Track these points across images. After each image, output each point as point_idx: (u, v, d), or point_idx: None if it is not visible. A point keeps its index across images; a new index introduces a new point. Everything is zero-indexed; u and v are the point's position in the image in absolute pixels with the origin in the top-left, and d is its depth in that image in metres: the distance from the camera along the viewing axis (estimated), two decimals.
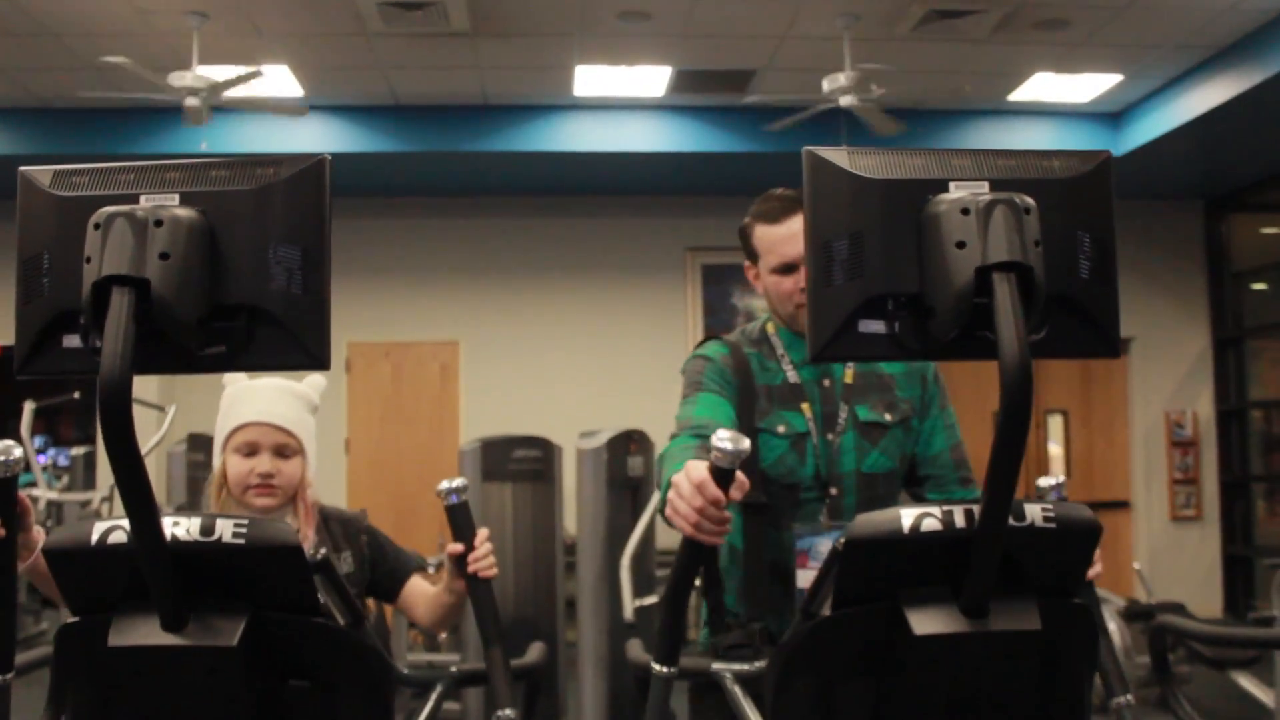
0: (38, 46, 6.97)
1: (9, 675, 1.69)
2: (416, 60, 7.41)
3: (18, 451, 1.74)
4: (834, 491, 2.28)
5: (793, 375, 2.31)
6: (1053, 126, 8.58)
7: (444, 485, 2.21)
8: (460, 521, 2.22)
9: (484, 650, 2.18)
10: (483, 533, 2.24)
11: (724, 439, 1.58)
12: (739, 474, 1.63)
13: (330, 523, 2.52)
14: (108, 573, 1.42)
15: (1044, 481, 2.05)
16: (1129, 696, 2.06)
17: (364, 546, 2.52)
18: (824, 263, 1.42)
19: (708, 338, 2.46)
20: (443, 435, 9.31)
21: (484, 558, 2.23)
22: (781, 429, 2.28)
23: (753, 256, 2.37)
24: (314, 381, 2.54)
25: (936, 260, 1.37)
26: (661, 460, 2.12)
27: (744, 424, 2.25)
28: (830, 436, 2.29)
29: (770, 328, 2.42)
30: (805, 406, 2.29)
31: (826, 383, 2.32)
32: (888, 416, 2.32)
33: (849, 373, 2.33)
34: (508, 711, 2.13)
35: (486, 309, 9.69)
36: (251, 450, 2.40)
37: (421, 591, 2.52)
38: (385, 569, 2.53)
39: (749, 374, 2.31)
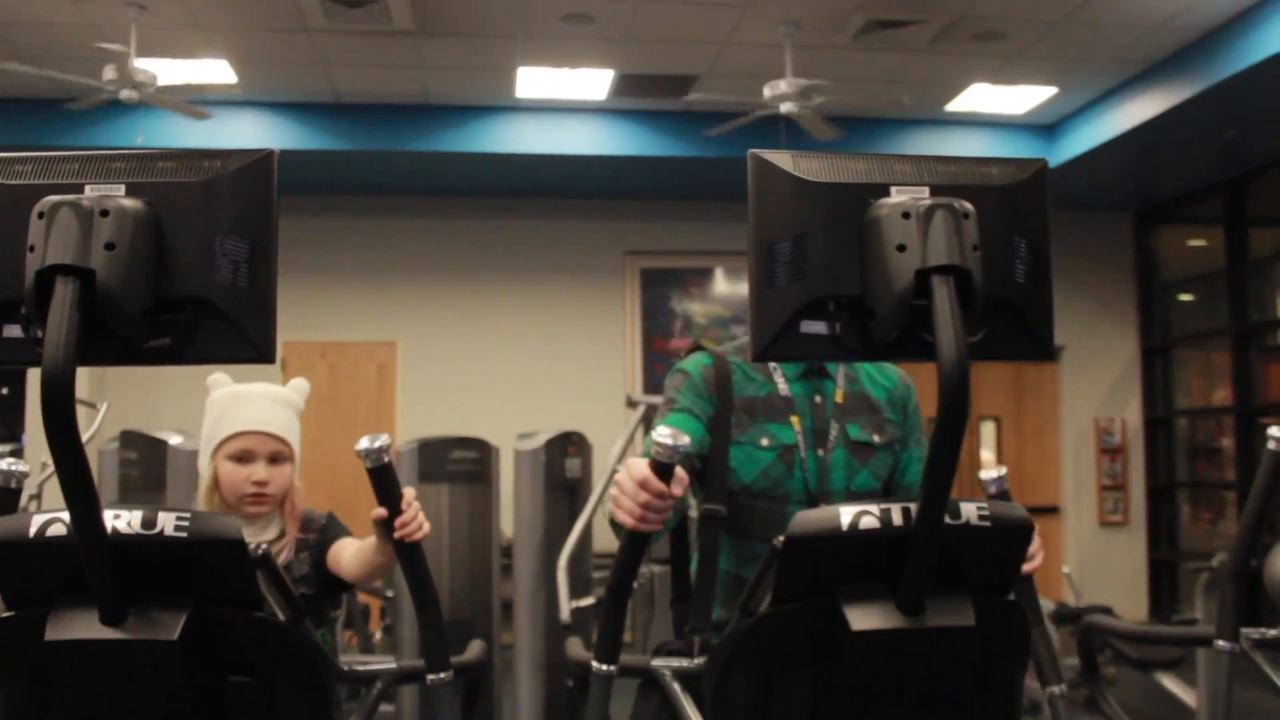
0: None
1: None
2: (358, 58, 7.36)
3: (21, 466, 1.73)
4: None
5: (784, 388, 2.28)
6: (988, 137, 8.72)
7: (365, 445, 1.93)
8: (385, 485, 2.01)
9: (417, 614, 2.09)
10: (409, 493, 2.08)
11: (664, 435, 1.63)
12: (679, 470, 1.68)
13: (303, 525, 2.54)
14: (46, 566, 1.40)
15: (985, 474, 2.07)
16: (1062, 686, 2.11)
17: (314, 546, 2.51)
18: (767, 264, 1.44)
19: (694, 347, 2.41)
20: None
21: (412, 520, 2.07)
22: (765, 441, 2.25)
23: None
24: (299, 385, 2.59)
25: (877, 263, 1.40)
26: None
27: (719, 439, 2.23)
28: (820, 452, 2.26)
29: None
30: (794, 419, 2.27)
31: (818, 399, 2.30)
32: (876, 438, 2.30)
33: (840, 392, 2.31)
34: (443, 675, 2.08)
35: (425, 310, 9.64)
36: (246, 458, 2.44)
37: (346, 544, 2.47)
38: (324, 544, 2.51)
39: (728, 387, 2.29)
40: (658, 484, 1.67)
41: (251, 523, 2.46)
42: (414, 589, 2.08)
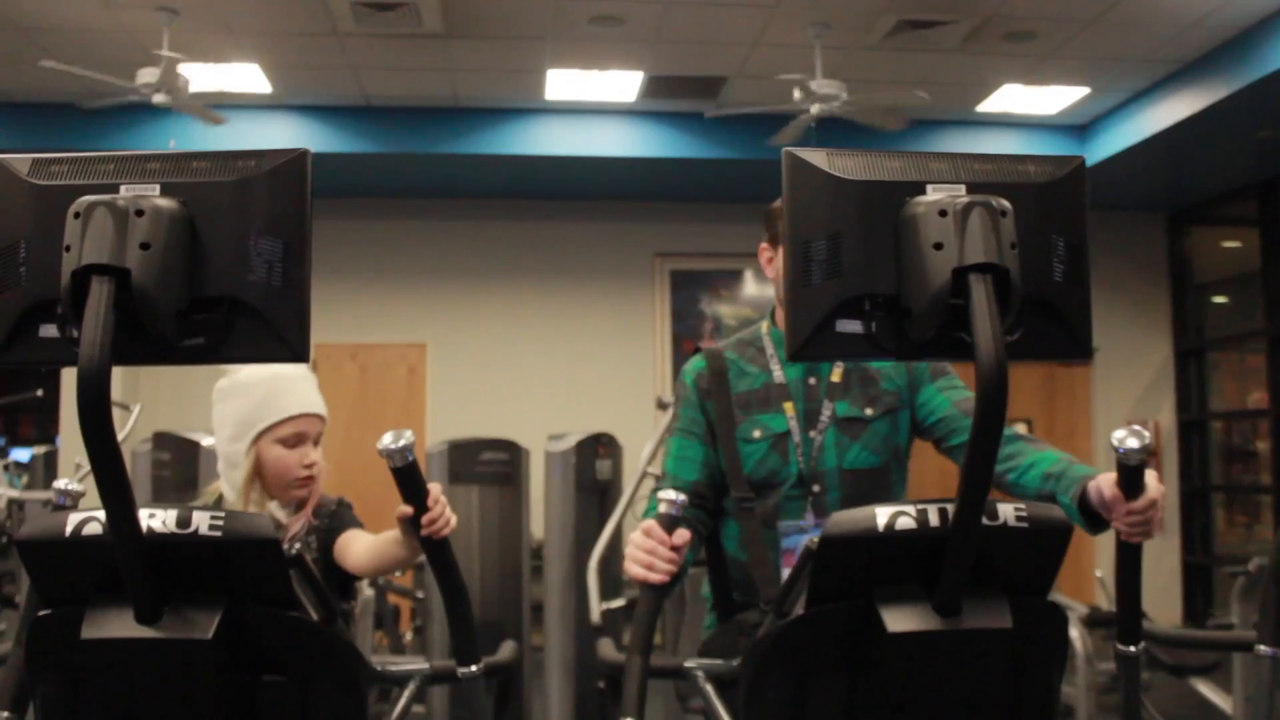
0: (2, 39, 6.90)
1: None
2: (388, 61, 7.39)
3: (77, 486, 1.75)
4: (817, 489, 2.29)
5: (779, 375, 2.32)
6: (1020, 137, 8.66)
7: (387, 443, 1.85)
8: (410, 483, 1.94)
9: (446, 608, 2.06)
10: (434, 488, 2.01)
11: (667, 494, 1.97)
12: (680, 529, 1.94)
13: (315, 508, 2.51)
14: (81, 564, 1.41)
15: (1120, 436, 1.78)
16: (1140, 646, 2.03)
17: (323, 531, 2.47)
18: (802, 263, 1.43)
19: (694, 350, 2.46)
20: None
21: (439, 518, 2.01)
22: (757, 433, 2.30)
23: (775, 240, 2.34)
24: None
25: (914, 261, 1.38)
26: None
27: (725, 436, 2.31)
28: (813, 434, 2.30)
29: (765, 327, 2.43)
30: (788, 406, 2.30)
31: (812, 381, 2.33)
32: (868, 411, 2.32)
33: (836, 371, 2.33)
34: (474, 668, 2.07)
35: (454, 311, 9.66)
36: (298, 441, 2.43)
37: (355, 536, 2.42)
38: (333, 531, 2.47)
39: (725, 384, 2.33)
40: (660, 533, 1.93)
41: (284, 505, 2.45)
42: (443, 584, 2.06)
